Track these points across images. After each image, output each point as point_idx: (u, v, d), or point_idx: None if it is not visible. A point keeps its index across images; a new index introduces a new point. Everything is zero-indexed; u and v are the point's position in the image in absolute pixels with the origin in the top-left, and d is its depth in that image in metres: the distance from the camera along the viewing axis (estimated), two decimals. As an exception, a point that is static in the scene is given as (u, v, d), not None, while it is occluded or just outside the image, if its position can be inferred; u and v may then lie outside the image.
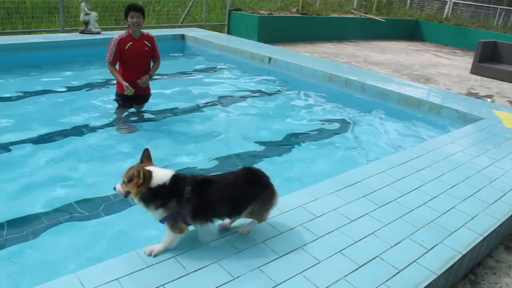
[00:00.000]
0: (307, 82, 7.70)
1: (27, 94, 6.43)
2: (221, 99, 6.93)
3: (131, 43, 5.27)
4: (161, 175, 2.53)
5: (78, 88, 6.94)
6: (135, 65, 5.36)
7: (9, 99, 6.23)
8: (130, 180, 2.47)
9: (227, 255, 2.64)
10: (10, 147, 4.70)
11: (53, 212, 3.59)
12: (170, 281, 2.36)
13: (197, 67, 8.92)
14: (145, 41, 5.39)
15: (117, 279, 2.33)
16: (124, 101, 5.59)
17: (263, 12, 13.96)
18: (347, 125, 6.14)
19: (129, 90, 5.19)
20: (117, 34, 5.33)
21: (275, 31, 13.34)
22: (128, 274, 2.38)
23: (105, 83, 6.97)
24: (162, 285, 2.32)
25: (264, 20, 13.17)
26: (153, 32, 5.64)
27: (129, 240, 3.28)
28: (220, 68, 8.90)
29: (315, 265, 2.64)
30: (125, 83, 5.19)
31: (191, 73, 8.41)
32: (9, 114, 5.61)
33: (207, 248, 2.71)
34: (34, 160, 4.47)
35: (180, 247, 2.64)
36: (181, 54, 9.93)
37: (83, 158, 4.57)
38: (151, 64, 5.58)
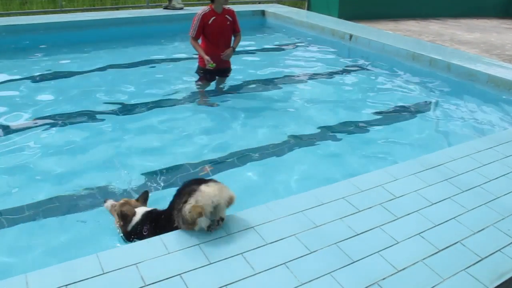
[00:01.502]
0: (389, 61, 7.47)
1: (114, 66, 6.80)
2: (300, 76, 6.91)
3: (214, 17, 5.40)
4: (137, 217, 2.86)
5: (161, 61, 7.22)
6: (218, 39, 5.50)
7: (99, 69, 6.62)
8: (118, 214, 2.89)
9: (304, 229, 2.69)
10: (100, 116, 5.02)
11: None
12: (190, 270, 2.33)
13: (276, 43, 8.92)
14: (226, 16, 5.51)
15: (135, 264, 2.35)
16: (205, 74, 5.77)
17: (345, -13, 13.61)
18: (430, 106, 5.91)
19: (210, 64, 5.29)
20: (200, 10, 5.49)
21: (357, 8, 12.98)
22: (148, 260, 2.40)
23: (187, 58, 7.17)
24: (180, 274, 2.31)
25: (345, -4, 12.85)
26: (233, 8, 5.68)
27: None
28: (300, 45, 8.85)
29: (392, 245, 2.62)
30: (207, 57, 5.30)
31: (271, 50, 8.43)
32: (98, 84, 5.97)
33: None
34: (121, 129, 4.75)
35: (206, 236, 2.59)
36: (260, 30, 9.96)
37: (163, 130, 4.78)
38: (232, 38, 5.70)
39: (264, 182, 3.88)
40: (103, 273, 2.27)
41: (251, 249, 2.51)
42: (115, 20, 8.74)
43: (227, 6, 5.60)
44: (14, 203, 3.41)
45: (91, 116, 5.05)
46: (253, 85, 6.34)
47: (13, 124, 4.79)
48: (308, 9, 12.98)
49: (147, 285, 2.21)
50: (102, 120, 4.97)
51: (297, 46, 8.80)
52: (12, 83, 6.04)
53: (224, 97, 5.79)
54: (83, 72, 6.55)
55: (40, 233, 3.11)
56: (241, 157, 4.27)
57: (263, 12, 10.49)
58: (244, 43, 8.24)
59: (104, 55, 7.46)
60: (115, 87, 5.99)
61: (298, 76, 6.89)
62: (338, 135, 4.86)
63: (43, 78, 6.27)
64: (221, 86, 6.02)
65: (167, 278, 2.26)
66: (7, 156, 4.12)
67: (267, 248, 2.54)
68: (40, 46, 7.65)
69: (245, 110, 5.43)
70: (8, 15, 9.30)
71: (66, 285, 2.18)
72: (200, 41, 5.54)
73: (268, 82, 6.52)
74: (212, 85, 5.93)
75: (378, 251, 2.55)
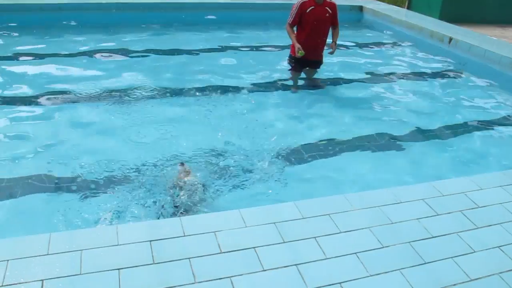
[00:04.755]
0: (489, 69, 7.08)
1: (214, 50, 7.15)
2: (391, 75, 6.77)
3: (312, 7, 5.36)
4: None
5: (257, 48, 7.42)
6: (313, 30, 5.45)
7: (200, 51, 7.03)
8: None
9: (378, 224, 2.72)
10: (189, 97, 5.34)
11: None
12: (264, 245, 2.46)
13: (372, 40, 8.78)
14: (326, 7, 5.43)
15: (214, 231, 2.53)
16: (296, 63, 5.77)
17: (451, -12, 13.01)
18: (529, 120, 5.57)
19: (300, 52, 5.29)
20: None
21: (461, 10, 12.34)
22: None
23: (284, 46, 7.29)
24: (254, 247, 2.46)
25: (450, -3, 12.28)
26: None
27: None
28: (395, 44, 8.63)
29: (468, 253, 2.57)
30: (298, 45, 5.32)
31: (366, 46, 8.31)
32: (197, 65, 6.32)
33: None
34: (214, 108, 5.00)
35: (282, 216, 2.74)
36: (357, 26, 9.83)
37: (250, 114, 4.96)
38: (329, 31, 5.64)
39: (343, 174, 3.90)
40: (184, 235, 2.45)
41: (325, 235, 2.58)
42: (219, 4, 9.14)
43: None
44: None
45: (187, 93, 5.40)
46: (343, 80, 6.32)
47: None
48: (408, 8, 12.57)
49: (223, 252, 2.36)
50: (189, 100, 5.26)
51: (393, 45, 8.60)
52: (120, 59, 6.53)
53: (313, 89, 5.83)
54: (184, 51, 7.04)
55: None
56: (323, 147, 4.32)
57: (361, 8, 10.33)
58: (339, 38, 8.24)
59: (203, 38, 7.85)
60: (211, 68, 6.28)
61: (389, 76, 6.75)
62: (423, 137, 4.75)
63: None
64: (311, 77, 6.06)
65: (242, 249, 2.40)
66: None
67: (340, 236, 2.60)
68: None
69: (329, 104, 5.44)
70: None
71: (150, 240, 2.40)
72: (296, 29, 5.62)
73: (358, 79, 6.46)
74: (303, 76, 6.00)
75: (452, 257, 2.52)
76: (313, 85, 5.99)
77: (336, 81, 6.23)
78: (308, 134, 4.60)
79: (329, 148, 4.35)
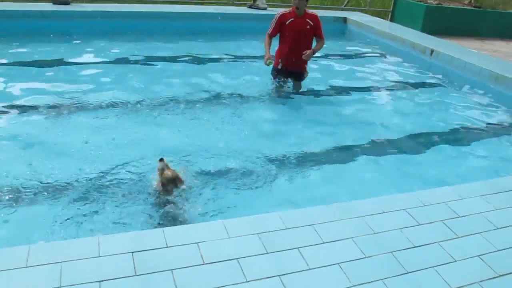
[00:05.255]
0: (470, 80, 7.21)
1: (193, 57, 7.19)
2: (374, 86, 6.85)
3: (292, 19, 5.39)
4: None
5: (239, 58, 7.44)
6: (292, 41, 5.44)
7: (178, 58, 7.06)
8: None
9: (361, 234, 2.73)
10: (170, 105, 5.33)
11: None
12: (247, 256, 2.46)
13: (355, 51, 8.90)
14: (307, 19, 5.41)
15: (197, 242, 2.51)
16: (278, 74, 5.80)
17: (432, 1, 13.24)
18: (509, 130, 5.67)
19: (269, 62, 5.41)
20: (282, 10, 5.59)
21: (442, 23, 12.56)
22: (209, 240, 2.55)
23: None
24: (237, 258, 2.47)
25: (431, 10, 12.48)
26: (316, 12, 5.72)
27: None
28: (378, 55, 8.76)
29: (449, 263, 2.60)
30: (268, 55, 5.39)
31: (349, 57, 8.42)
32: (172, 75, 6.36)
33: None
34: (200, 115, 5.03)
35: (265, 226, 2.75)
36: (341, 37, 9.95)
37: (232, 122, 4.96)
38: (313, 43, 5.58)
39: (326, 185, 3.93)
40: (167, 247, 2.44)
41: (308, 245, 2.59)
42: (200, 14, 9.12)
43: (310, 11, 5.58)
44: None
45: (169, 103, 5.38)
46: (327, 91, 6.37)
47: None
48: (391, 20, 12.75)
49: (206, 263, 2.35)
50: (174, 108, 5.26)
51: (376, 56, 8.72)
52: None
53: (298, 98, 5.85)
54: (167, 59, 7.05)
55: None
56: (304, 158, 4.34)
57: (345, 19, 10.46)
58: (323, 49, 8.30)
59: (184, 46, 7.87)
60: (193, 77, 6.27)
61: (372, 86, 6.83)
62: (405, 148, 4.82)
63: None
64: (297, 90, 5.98)
65: (224, 260, 2.39)
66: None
67: (323, 246, 2.61)
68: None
69: (315, 114, 5.48)
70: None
71: (132, 252, 2.37)
72: (278, 42, 5.67)
73: (341, 89, 6.52)
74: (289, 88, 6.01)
75: (433, 266, 2.54)
76: (299, 94, 5.99)
77: (318, 92, 6.26)
78: (294, 142, 4.61)
79: (314, 157, 4.37)
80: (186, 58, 7.23)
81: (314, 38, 5.58)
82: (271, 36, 5.56)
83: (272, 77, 5.91)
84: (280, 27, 5.46)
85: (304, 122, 5.19)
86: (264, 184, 3.76)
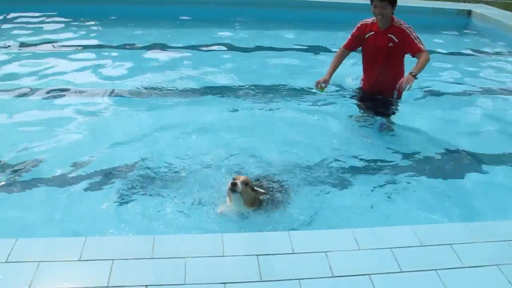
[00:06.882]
0: None
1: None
2: (497, 90, 6.05)
3: (371, 33, 4.24)
4: None
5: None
6: (370, 61, 4.41)
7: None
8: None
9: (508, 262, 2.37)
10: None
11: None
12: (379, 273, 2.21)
13: (480, 48, 8.09)
14: (390, 35, 4.16)
15: (325, 251, 2.31)
16: (362, 97, 4.77)
17: None
18: None
19: (319, 90, 4.28)
20: (369, 18, 4.34)
21: None
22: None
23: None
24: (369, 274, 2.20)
25: None
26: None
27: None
28: (508, 54, 7.91)
29: None
30: (324, 77, 4.26)
31: (472, 54, 7.69)
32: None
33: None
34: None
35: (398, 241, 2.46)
36: (463, 32, 9.15)
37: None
38: (400, 62, 4.36)
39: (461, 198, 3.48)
40: (293, 253, 2.28)
41: (446, 268, 2.29)
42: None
43: (402, 21, 4.22)
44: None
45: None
46: (443, 90, 5.65)
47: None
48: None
49: (335, 276, 2.16)
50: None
51: (505, 54, 7.88)
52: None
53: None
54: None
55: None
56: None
57: (469, 12, 9.63)
58: (441, 44, 7.72)
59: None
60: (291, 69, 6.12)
61: (494, 90, 6.01)
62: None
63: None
64: (383, 123, 4.46)
65: (355, 275, 2.18)
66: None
67: (464, 271, 2.30)
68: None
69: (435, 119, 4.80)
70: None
71: (257, 255, 2.24)
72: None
73: (461, 90, 5.79)
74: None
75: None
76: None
77: (433, 91, 5.54)
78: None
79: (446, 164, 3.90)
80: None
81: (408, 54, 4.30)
82: (345, 48, 4.44)
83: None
84: (359, 40, 4.35)
85: (425, 128, 4.52)
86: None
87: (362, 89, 4.70)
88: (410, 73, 3.95)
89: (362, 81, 4.67)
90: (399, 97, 4.45)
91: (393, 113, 4.55)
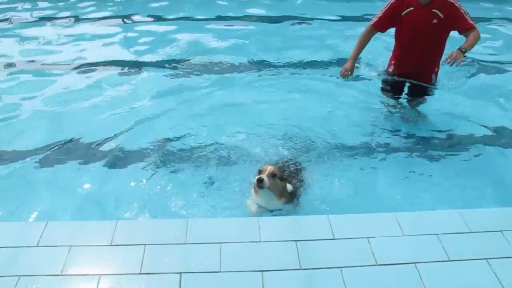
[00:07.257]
0: None
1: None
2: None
3: (411, 9, 3.64)
4: None
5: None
6: (408, 41, 3.77)
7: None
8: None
9: None
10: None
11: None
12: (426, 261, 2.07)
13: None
14: (435, 10, 3.56)
15: (367, 237, 2.18)
16: (387, 81, 4.16)
17: None
18: None
19: (345, 75, 3.81)
20: None
21: None
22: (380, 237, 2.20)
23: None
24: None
25: None
26: None
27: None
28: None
29: None
30: (348, 64, 3.80)
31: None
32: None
33: None
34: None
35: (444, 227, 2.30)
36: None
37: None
38: (444, 42, 3.82)
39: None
40: (333, 238, 2.16)
41: (498, 257, 2.13)
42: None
43: None
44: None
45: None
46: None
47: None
48: None
49: (379, 264, 2.03)
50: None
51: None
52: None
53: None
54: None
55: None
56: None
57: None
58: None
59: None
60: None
61: None
62: None
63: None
64: (413, 107, 4.14)
65: (400, 263, 2.04)
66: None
67: (516, 260, 2.14)
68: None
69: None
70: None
71: (296, 240, 2.13)
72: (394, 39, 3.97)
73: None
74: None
75: None
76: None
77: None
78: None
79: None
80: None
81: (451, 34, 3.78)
82: (373, 27, 3.85)
83: (381, 84, 4.28)
84: (392, 19, 3.76)
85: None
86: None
87: (392, 73, 4.07)
88: (460, 48, 3.49)
89: (393, 64, 4.03)
90: (434, 84, 3.99)
91: (425, 101, 4.11)
